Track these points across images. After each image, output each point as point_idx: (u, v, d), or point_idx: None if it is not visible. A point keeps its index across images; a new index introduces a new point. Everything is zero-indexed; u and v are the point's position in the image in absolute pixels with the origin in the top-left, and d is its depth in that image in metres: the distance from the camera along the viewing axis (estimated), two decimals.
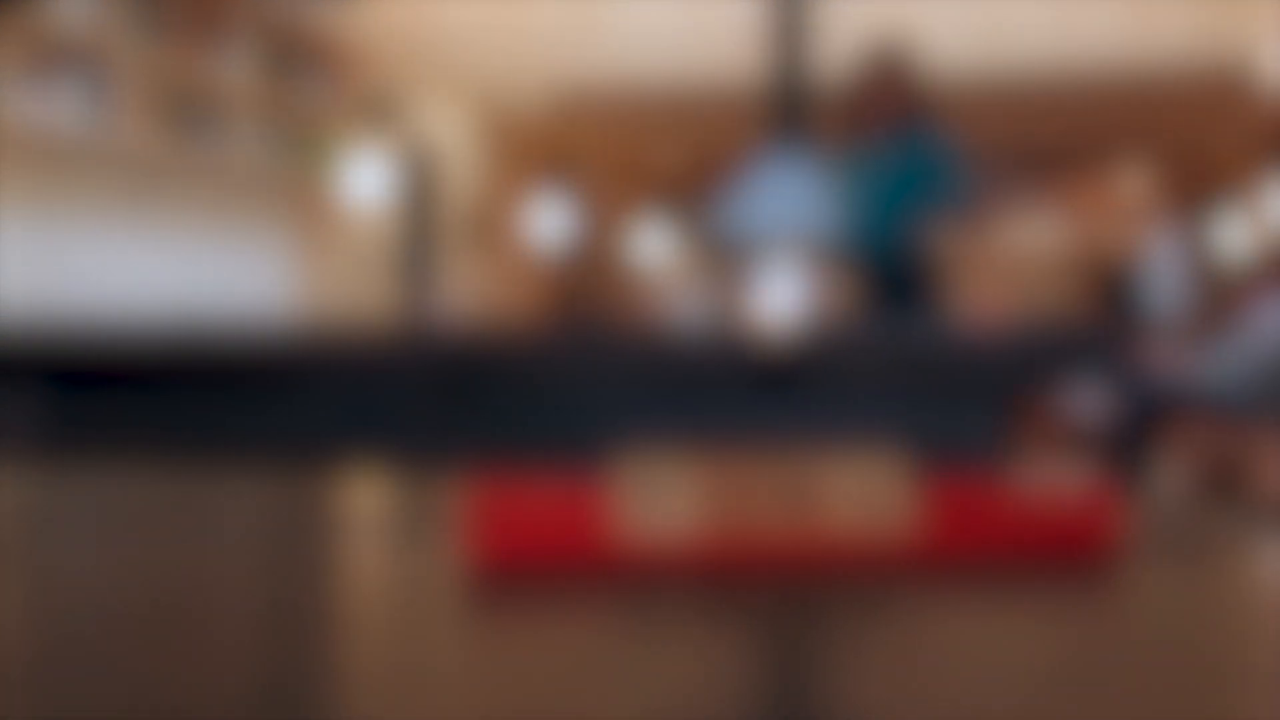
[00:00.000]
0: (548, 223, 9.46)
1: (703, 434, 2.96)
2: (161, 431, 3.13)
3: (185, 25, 5.64)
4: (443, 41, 7.45)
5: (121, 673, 0.41)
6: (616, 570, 0.58)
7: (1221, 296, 3.06)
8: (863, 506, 0.60)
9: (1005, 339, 3.07)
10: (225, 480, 0.95)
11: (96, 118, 5.06)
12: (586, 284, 9.45)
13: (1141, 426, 2.86)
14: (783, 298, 3.58)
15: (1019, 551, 0.60)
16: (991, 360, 3.01)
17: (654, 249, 10.22)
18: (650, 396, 3.03)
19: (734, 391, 3.00)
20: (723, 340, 3.13)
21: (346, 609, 0.51)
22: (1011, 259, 3.63)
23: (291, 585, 0.55)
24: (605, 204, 9.94)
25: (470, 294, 8.30)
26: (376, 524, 0.75)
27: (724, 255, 4.03)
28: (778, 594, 0.54)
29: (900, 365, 3.00)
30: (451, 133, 8.45)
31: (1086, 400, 2.92)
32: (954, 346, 3.05)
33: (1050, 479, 0.67)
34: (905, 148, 4.03)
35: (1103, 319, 3.21)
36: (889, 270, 3.91)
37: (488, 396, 3.08)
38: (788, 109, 5.19)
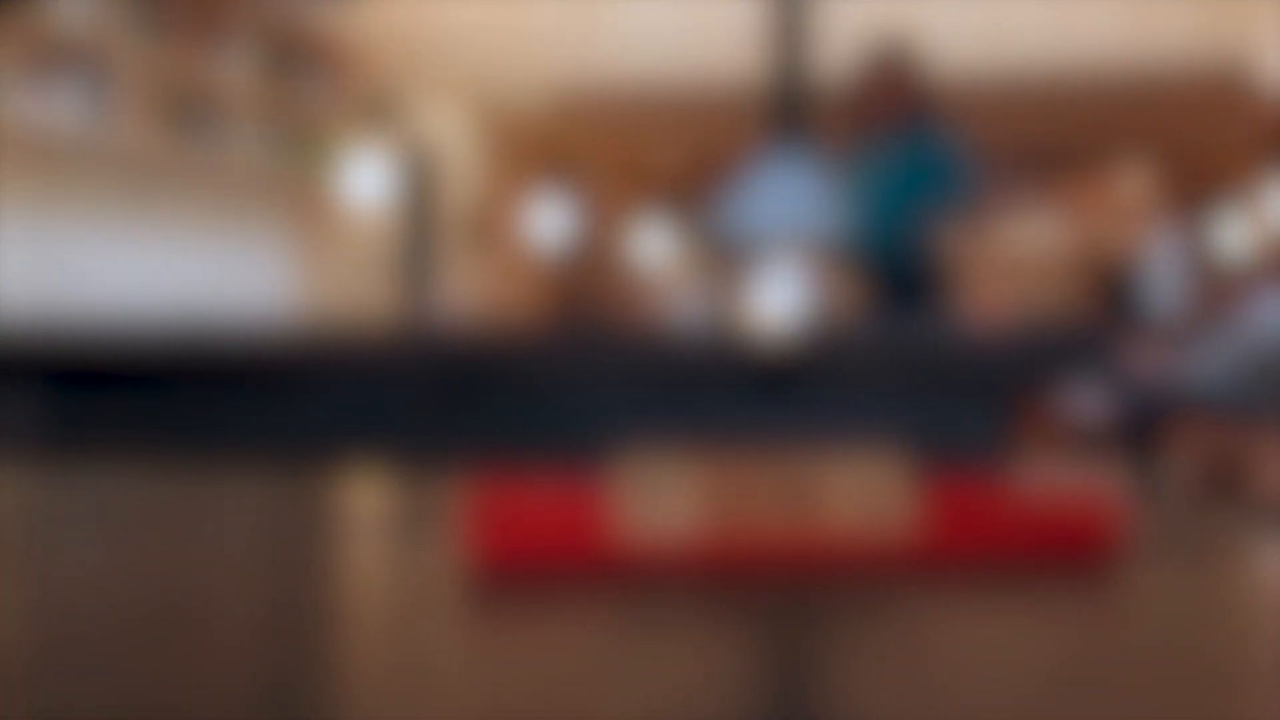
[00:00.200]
0: (548, 223, 9.46)
1: (703, 434, 2.96)
2: (162, 431, 3.13)
3: (185, 25, 5.64)
4: (443, 41, 7.45)
5: (122, 673, 0.41)
6: (616, 570, 0.58)
7: (1215, 294, 3.06)
8: (863, 507, 0.60)
9: (1005, 339, 3.07)
10: (225, 480, 0.95)
11: (96, 118, 5.06)
12: (586, 284, 9.45)
13: (1141, 426, 2.86)
14: (782, 298, 3.58)
15: (1019, 551, 0.60)
16: (991, 360, 3.01)
17: (654, 249, 10.22)
18: (650, 396, 3.03)
19: (734, 392, 3.00)
20: (722, 340, 3.13)
21: (347, 609, 0.51)
22: (1015, 258, 3.63)
23: (292, 585, 0.55)
24: (605, 204, 9.94)
25: (470, 294, 8.30)
26: (377, 524, 0.75)
27: (724, 255, 4.03)
28: (778, 594, 0.54)
29: (899, 365, 3.00)
30: (451, 133, 8.45)
31: (1086, 400, 2.92)
32: (954, 346, 3.05)
33: (1050, 479, 0.67)
34: (910, 147, 4.03)
35: (1103, 318, 3.21)
36: (894, 270, 3.91)
37: (488, 396, 3.08)
38: (788, 109, 5.19)
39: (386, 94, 7.45)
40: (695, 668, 0.42)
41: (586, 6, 7.07)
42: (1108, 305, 3.67)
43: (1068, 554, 0.60)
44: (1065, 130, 8.80)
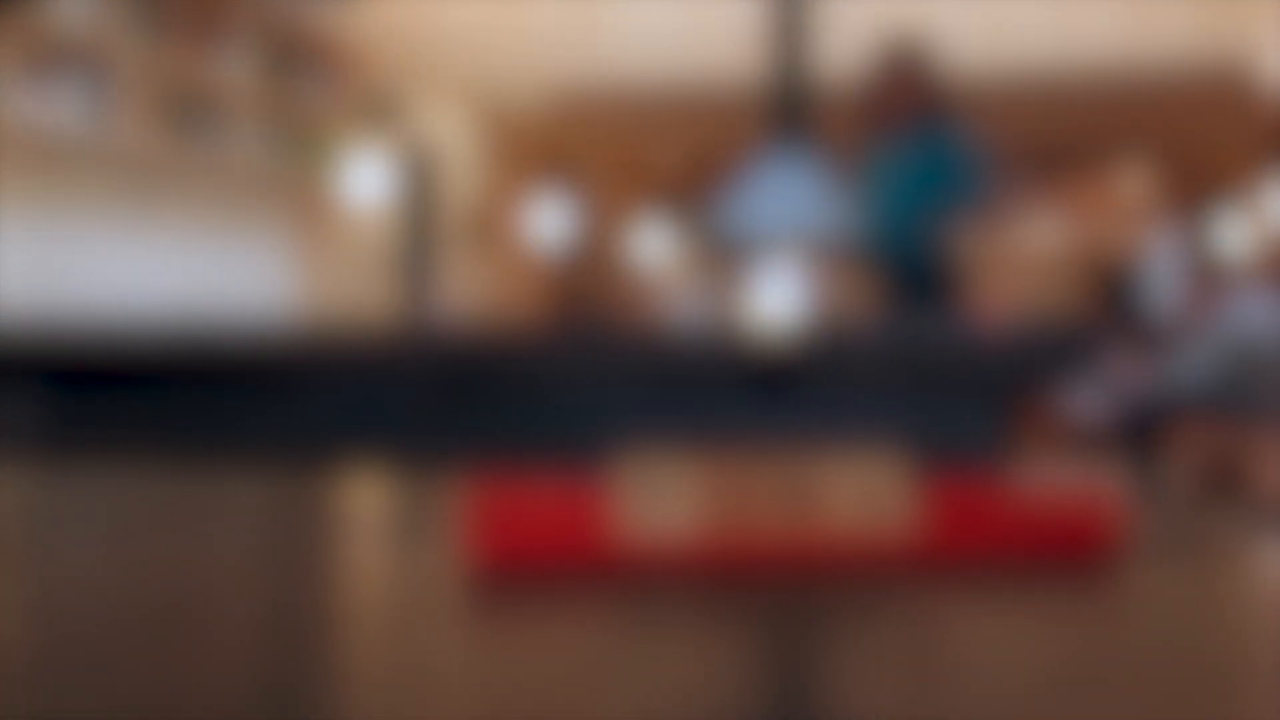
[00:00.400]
0: (548, 223, 9.46)
1: (703, 434, 2.96)
2: (162, 431, 3.13)
3: (185, 25, 5.64)
4: (443, 41, 7.45)
5: (122, 673, 0.41)
6: (616, 570, 0.58)
7: (1201, 295, 3.06)
8: (863, 507, 0.60)
9: (1006, 339, 3.07)
10: (226, 480, 0.95)
11: (96, 118, 5.06)
12: (586, 284, 9.45)
13: (1141, 427, 2.86)
14: (782, 297, 3.58)
15: (1019, 551, 0.60)
16: (992, 360, 3.01)
17: (654, 249, 10.22)
18: (650, 396, 3.03)
19: (734, 391, 3.00)
20: (722, 340, 3.13)
21: (347, 609, 0.51)
22: (1027, 257, 3.64)
23: (292, 585, 0.55)
24: (605, 204, 9.94)
25: (470, 294, 8.30)
26: (377, 524, 0.75)
27: (723, 255, 4.03)
28: (778, 594, 0.54)
29: (899, 365, 3.00)
30: (451, 133, 8.44)
31: (1086, 400, 2.92)
32: (954, 346, 3.05)
33: (1050, 479, 0.67)
34: (924, 146, 4.03)
35: (1103, 318, 3.21)
36: (908, 269, 3.91)
37: (488, 396, 3.08)
38: (788, 109, 5.19)
39: (386, 94, 7.45)
40: (695, 668, 0.42)
41: (586, 6, 7.07)
42: (1108, 304, 3.68)
43: (1068, 554, 0.60)
44: (1065, 130, 8.80)
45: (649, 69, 7.83)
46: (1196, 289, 3.05)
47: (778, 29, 5.17)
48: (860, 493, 0.61)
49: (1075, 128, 8.75)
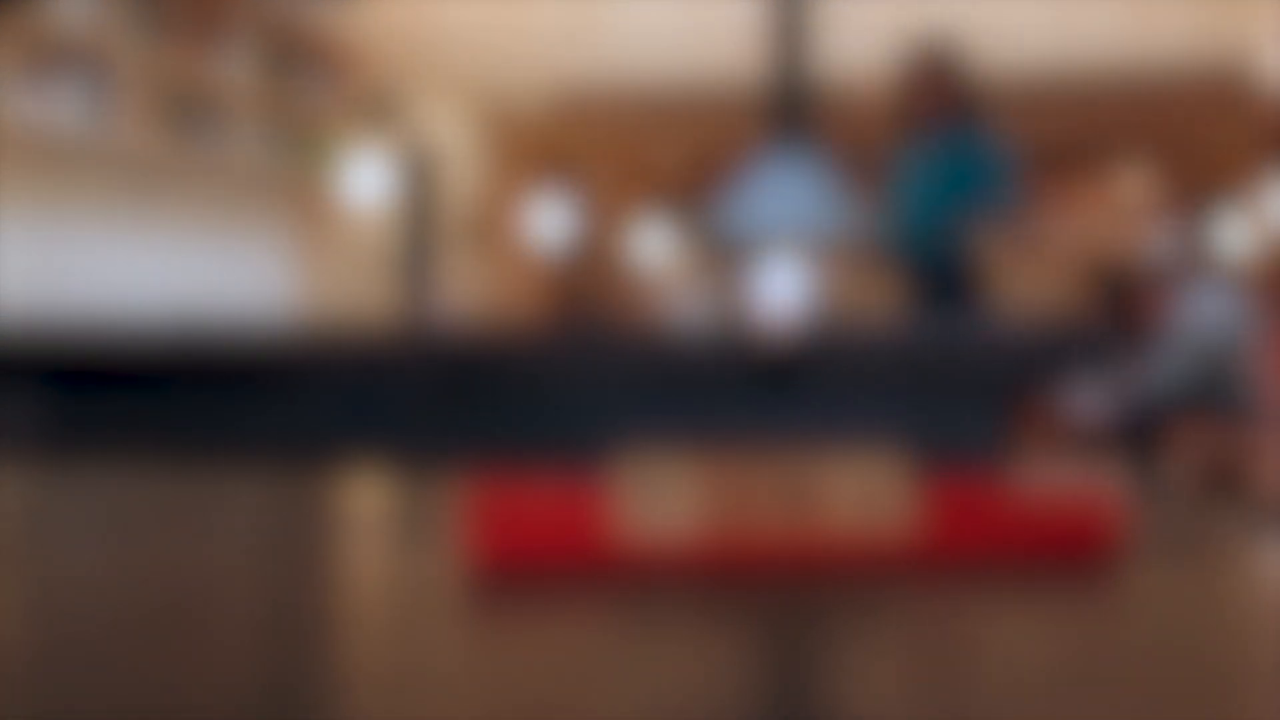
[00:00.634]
0: (548, 223, 9.46)
1: (703, 434, 2.96)
2: (162, 431, 3.13)
3: (185, 25, 5.64)
4: (443, 41, 7.45)
5: (123, 673, 0.41)
6: (616, 570, 0.58)
7: (1140, 299, 3.06)
8: (863, 506, 0.60)
9: (1006, 339, 3.07)
10: (226, 480, 0.95)
11: (96, 118, 5.06)
12: (586, 284, 9.45)
13: (1141, 426, 2.86)
14: (782, 296, 3.58)
15: (1019, 551, 0.60)
16: (992, 360, 3.01)
17: (654, 249, 10.22)
18: (650, 396, 3.03)
19: (734, 391, 3.00)
20: (723, 340, 3.13)
21: (348, 608, 0.51)
22: (1054, 255, 3.64)
23: (293, 585, 0.55)
24: (605, 204, 9.94)
25: (470, 294, 8.30)
26: (377, 524, 0.75)
27: (724, 255, 4.03)
28: (778, 594, 0.54)
29: (899, 364, 3.00)
30: (451, 133, 8.44)
31: (1087, 400, 2.92)
32: (974, 345, 3.05)
33: (1050, 479, 0.67)
34: (953, 147, 4.03)
35: (1104, 318, 3.21)
36: (935, 269, 3.92)
37: (488, 396, 3.08)
38: (788, 109, 5.19)
39: (386, 94, 7.45)
40: (695, 667, 0.42)
41: (586, 6, 7.07)
42: (1108, 305, 3.68)
43: (1068, 554, 0.60)
44: (1065, 130, 8.79)
45: (649, 69, 7.83)
46: (1149, 290, 3.06)
47: (778, 29, 5.17)
48: (860, 493, 0.61)
49: (1075, 128, 8.75)
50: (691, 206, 8.41)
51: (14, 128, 4.67)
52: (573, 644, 0.45)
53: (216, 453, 3.13)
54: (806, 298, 3.63)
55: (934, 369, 2.99)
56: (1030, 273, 3.76)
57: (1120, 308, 3.06)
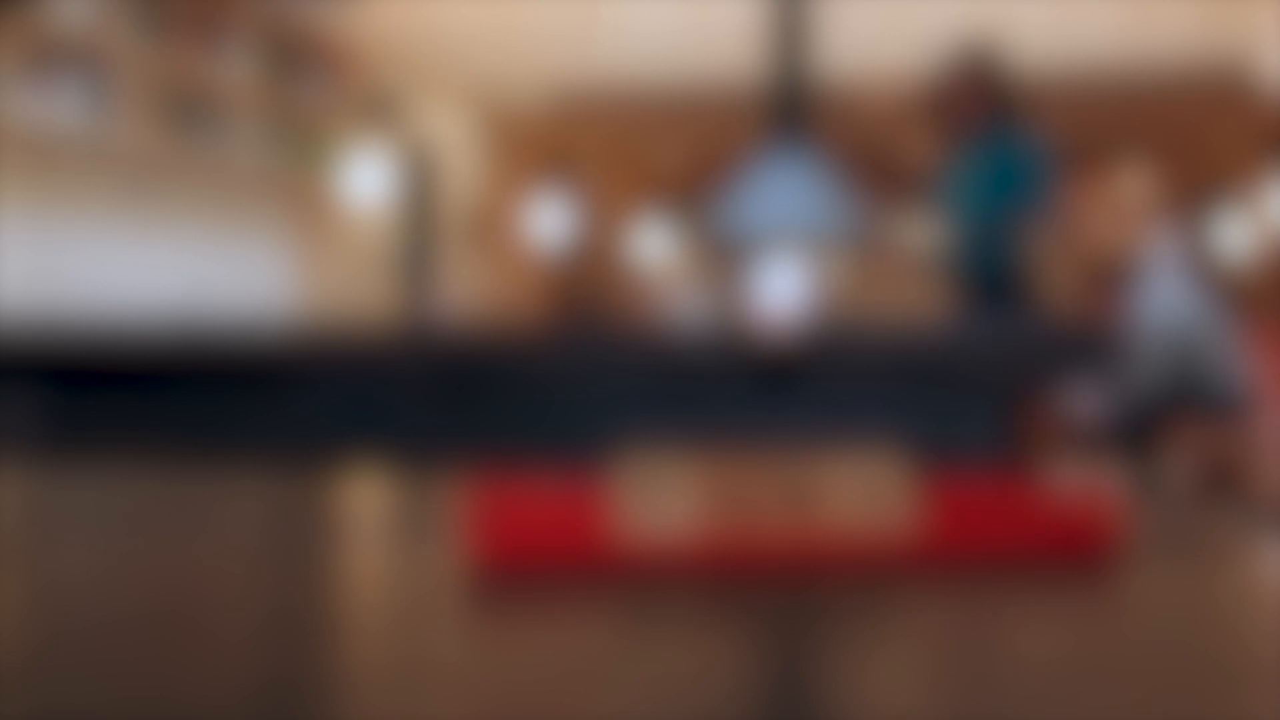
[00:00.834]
0: (548, 222, 9.46)
1: (703, 433, 2.96)
2: (162, 431, 3.13)
3: (185, 25, 5.64)
4: (443, 41, 7.45)
5: (126, 671, 0.41)
6: (617, 569, 0.58)
7: (1101, 292, 3.06)
8: (864, 506, 0.60)
9: (1006, 339, 3.07)
10: (226, 480, 0.95)
11: (96, 117, 5.06)
12: (587, 284, 9.44)
13: (1140, 426, 2.86)
14: (782, 296, 3.58)
15: (1020, 551, 0.60)
16: (993, 360, 3.01)
17: (654, 249, 10.21)
18: (650, 396, 3.03)
19: (734, 391, 3.00)
20: (723, 339, 3.13)
21: (350, 607, 0.51)
22: (1092, 252, 3.63)
23: (294, 584, 0.55)
24: (605, 204, 9.93)
25: (470, 294, 8.30)
26: (378, 523, 0.75)
27: (724, 254, 4.03)
28: (779, 593, 0.54)
29: (900, 364, 3.00)
30: (452, 132, 8.44)
31: (1086, 400, 2.92)
32: (954, 346, 3.05)
33: (1050, 479, 0.67)
34: (995, 149, 4.04)
35: (1104, 318, 3.21)
36: (987, 273, 3.92)
37: (488, 396, 3.08)
38: (788, 109, 5.19)
39: (386, 94, 7.45)
40: (696, 667, 0.42)
41: (587, 6, 7.07)
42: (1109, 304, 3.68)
43: (1068, 554, 0.60)
44: (1065, 130, 8.79)
45: (649, 69, 7.83)
46: (1096, 286, 3.05)
47: (778, 29, 5.17)
48: (861, 493, 0.61)
49: (1075, 127, 8.75)
50: (691, 206, 8.41)
51: (14, 127, 4.67)
52: (574, 643, 0.45)
53: (216, 453, 3.13)
54: (806, 297, 3.63)
55: (935, 369, 2.99)
56: (1065, 271, 3.76)
57: (1094, 302, 3.06)
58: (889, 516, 0.59)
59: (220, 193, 6.04)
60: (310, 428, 3.09)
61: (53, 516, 0.78)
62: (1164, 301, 2.98)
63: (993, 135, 4.07)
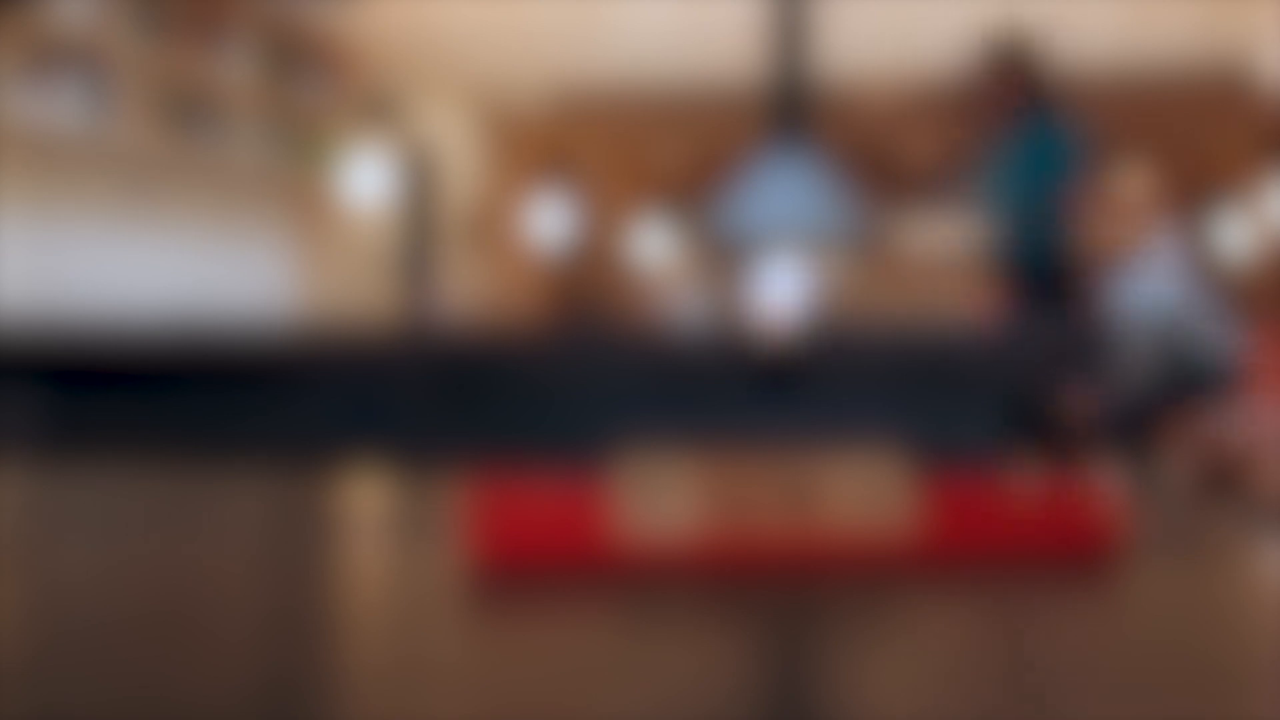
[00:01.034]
0: (548, 223, 9.46)
1: (703, 434, 2.96)
2: (161, 431, 3.13)
3: (185, 25, 5.64)
4: (443, 41, 7.45)
5: (126, 671, 0.41)
6: (617, 569, 0.58)
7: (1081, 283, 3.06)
8: (864, 507, 0.60)
9: (1006, 338, 3.07)
10: (226, 480, 0.95)
11: (96, 117, 5.06)
12: (587, 284, 9.44)
13: (1130, 422, 2.86)
14: (782, 296, 3.58)
15: (1020, 551, 0.60)
16: (993, 359, 3.01)
17: (654, 249, 10.21)
18: (650, 396, 3.03)
19: (735, 391, 3.00)
20: (723, 339, 3.13)
21: (349, 607, 0.51)
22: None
23: (294, 584, 0.55)
24: (605, 204, 9.93)
25: (470, 294, 8.30)
26: (378, 523, 0.75)
27: (724, 255, 4.02)
28: (779, 593, 0.54)
29: (900, 364, 3.00)
30: (451, 132, 8.44)
31: (1086, 400, 2.92)
32: (954, 346, 3.05)
33: (1051, 479, 0.67)
34: (1032, 138, 4.03)
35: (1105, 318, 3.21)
36: (1034, 264, 3.90)
37: (488, 396, 3.08)
38: (788, 109, 5.19)
39: (386, 94, 7.45)
40: (696, 667, 0.42)
41: (587, 6, 7.07)
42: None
43: (1068, 553, 0.60)
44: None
45: (649, 68, 7.83)
46: (1090, 275, 3.05)
47: (778, 29, 5.17)
48: (862, 493, 0.61)
49: None
50: (691, 206, 8.41)
51: (14, 127, 4.67)
52: (573, 643, 0.45)
53: (216, 453, 3.13)
54: (806, 297, 3.63)
55: (935, 369, 2.99)
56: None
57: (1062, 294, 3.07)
58: (889, 517, 0.59)
59: (220, 193, 6.04)
60: (310, 428, 3.09)
61: (53, 516, 0.78)
62: (1147, 291, 2.98)
63: (1031, 124, 4.07)
